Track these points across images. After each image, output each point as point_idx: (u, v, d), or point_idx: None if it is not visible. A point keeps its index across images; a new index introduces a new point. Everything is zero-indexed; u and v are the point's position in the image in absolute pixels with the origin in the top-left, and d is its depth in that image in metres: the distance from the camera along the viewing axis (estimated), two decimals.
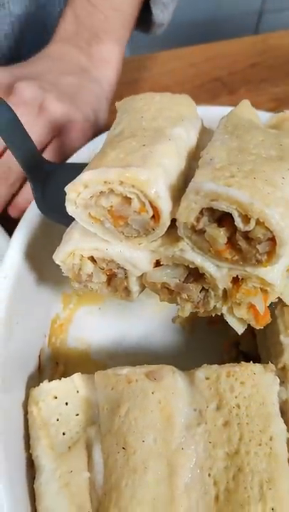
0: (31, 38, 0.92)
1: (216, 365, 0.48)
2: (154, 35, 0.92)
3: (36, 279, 0.58)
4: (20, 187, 0.69)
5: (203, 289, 0.46)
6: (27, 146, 0.56)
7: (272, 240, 0.38)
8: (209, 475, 0.44)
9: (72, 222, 0.48)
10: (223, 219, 0.40)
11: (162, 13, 0.86)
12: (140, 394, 0.47)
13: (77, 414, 0.50)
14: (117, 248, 0.45)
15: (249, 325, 0.47)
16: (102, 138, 0.65)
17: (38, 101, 0.67)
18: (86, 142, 0.70)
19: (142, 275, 0.48)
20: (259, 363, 0.48)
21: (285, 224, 0.38)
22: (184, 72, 1.01)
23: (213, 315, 0.48)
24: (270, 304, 0.46)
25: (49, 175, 0.57)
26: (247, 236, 0.39)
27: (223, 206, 0.39)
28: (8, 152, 0.65)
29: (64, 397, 0.50)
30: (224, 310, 0.47)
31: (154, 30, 0.91)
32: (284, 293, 0.46)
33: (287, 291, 0.46)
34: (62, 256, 0.47)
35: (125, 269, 0.47)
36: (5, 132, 0.53)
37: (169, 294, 0.48)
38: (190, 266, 0.45)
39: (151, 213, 0.42)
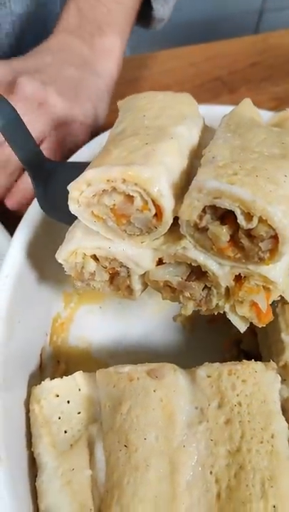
0: (32, 36, 0.92)
1: (218, 363, 0.48)
2: (154, 30, 0.92)
3: (37, 277, 0.59)
4: (19, 177, 0.68)
5: (205, 287, 0.46)
6: (29, 144, 0.56)
7: (275, 238, 0.39)
8: (211, 473, 0.44)
9: (75, 221, 0.48)
10: (226, 217, 0.40)
11: (162, 8, 0.86)
12: (142, 392, 0.47)
13: (79, 413, 0.50)
14: (120, 246, 0.45)
15: (250, 323, 0.48)
16: (103, 137, 0.65)
17: (38, 96, 0.67)
18: (86, 137, 0.70)
19: (145, 273, 0.48)
20: (260, 361, 0.48)
21: (288, 222, 0.38)
22: (184, 72, 1.01)
23: (216, 313, 0.48)
24: (272, 302, 0.46)
25: (51, 173, 0.57)
26: (249, 234, 0.39)
27: (225, 204, 0.39)
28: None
29: (66, 396, 0.50)
30: (226, 308, 0.47)
31: (154, 26, 0.91)
32: (286, 291, 0.46)
33: None
34: (65, 255, 0.47)
35: (128, 268, 0.47)
36: (7, 131, 0.53)
37: (172, 292, 0.48)
38: (192, 264, 0.45)
39: (153, 211, 0.42)
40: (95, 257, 0.47)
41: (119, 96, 0.57)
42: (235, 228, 0.40)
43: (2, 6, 0.85)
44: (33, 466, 0.48)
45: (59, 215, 0.54)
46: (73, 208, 0.44)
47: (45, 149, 0.68)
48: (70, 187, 0.43)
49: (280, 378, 0.47)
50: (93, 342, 0.63)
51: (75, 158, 0.64)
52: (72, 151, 0.66)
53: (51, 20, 0.89)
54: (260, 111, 0.57)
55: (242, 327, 0.47)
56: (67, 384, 0.51)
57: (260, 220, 0.38)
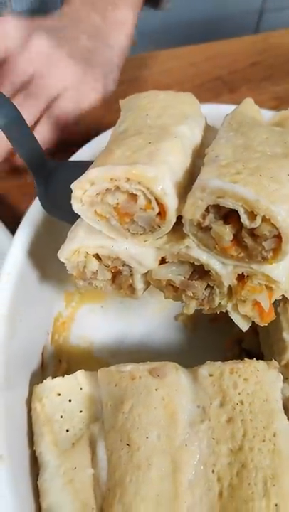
0: None
1: (219, 362, 0.49)
2: (162, 10, 0.92)
3: (39, 277, 0.59)
4: None
5: (208, 286, 0.46)
6: (30, 144, 0.56)
7: (278, 237, 0.39)
8: (213, 471, 0.44)
9: (77, 220, 0.48)
10: (229, 216, 0.41)
11: None
12: (144, 391, 0.47)
13: (81, 411, 0.50)
14: (123, 245, 0.45)
15: (252, 322, 0.48)
16: (103, 136, 0.66)
17: (50, 58, 0.67)
18: (94, 104, 0.72)
19: (147, 272, 0.48)
20: (262, 360, 0.48)
21: None
22: (184, 72, 1.01)
23: (218, 312, 0.48)
24: (274, 301, 0.46)
25: (52, 172, 0.57)
26: (253, 233, 0.39)
27: (229, 203, 0.39)
28: None
29: (67, 394, 0.50)
30: (229, 307, 0.47)
31: (162, 5, 0.92)
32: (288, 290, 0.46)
33: None
34: (67, 254, 0.47)
35: (130, 267, 0.47)
36: (9, 130, 0.53)
37: (174, 291, 0.48)
38: (195, 263, 0.45)
39: (157, 210, 0.42)
40: (97, 256, 0.47)
41: (119, 96, 0.57)
42: (238, 227, 0.40)
43: (3, 6, 0.85)
44: (35, 465, 0.48)
45: (60, 214, 0.54)
46: (76, 206, 0.44)
47: (60, 108, 0.69)
48: (73, 186, 0.43)
49: (282, 377, 0.48)
50: (95, 341, 0.63)
51: (75, 157, 0.64)
52: (84, 116, 0.67)
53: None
54: (261, 110, 0.57)
55: (244, 326, 0.48)
56: (69, 383, 0.51)
57: (264, 219, 0.38)
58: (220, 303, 0.47)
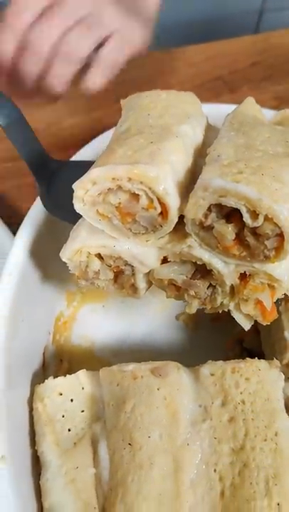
0: None
1: (221, 361, 0.49)
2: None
3: (40, 276, 0.59)
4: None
5: (210, 285, 0.46)
6: (32, 144, 0.56)
7: (281, 236, 0.39)
8: (215, 470, 0.44)
9: (79, 220, 0.48)
10: (231, 215, 0.41)
11: None
12: (145, 390, 0.47)
13: (83, 411, 0.50)
14: (125, 245, 0.45)
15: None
16: (104, 136, 0.66)
17: (97, 1, 0.68)
18: (138, 52, 0.73)
19: (149, 272, 0.48)
20: (263, 359, 0.49)
21: None
22: (185, 71, 1.01)
23: (220, 311, 0.48)
24: (276, 300, 0.46)
25: (54, 173, 0.57)
26: (255, 232, 0.40)
27: (231, 202, 0.39)
28: None
29: (69, 394, 0.50)
30: (231, 306, 0.47)
31: None
32: None
33: None
34: (69, 253, 0.47)
35: (132, 266, 0.47)
36: (10, 130, 0.53)
37: (176, 290, 0.48)
38: (197, 262, 0.45)
39: (159, 210, 0.42)
40: (99, 256, 0.47)
41: (120, 96, 0.57)
42: (240, 226, 0.40)
43: (4, 5, 0.85)
44: (37, 465, 0.48)
45: (62, 214, 0.54)
46: (78, 206, 0.44)
47: (110, 50, 0.69)
48: (75, 186, 0.43)
49: (283, 376, 0.48)
50: (96, 341, 0.63)
51: (77, 157, 0.64)
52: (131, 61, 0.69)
53: None
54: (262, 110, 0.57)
55: (246, 325, 0.48)
56: (71, 382, 0.51)
57: (266, 218, 0.38)
58: (222, 302, 0.47)
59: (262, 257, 0.41)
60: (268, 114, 0.61)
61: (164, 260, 0.47)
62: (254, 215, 0.39)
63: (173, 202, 0.41)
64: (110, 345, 0.62)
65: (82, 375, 0.51)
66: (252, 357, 0.49)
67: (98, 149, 0.63)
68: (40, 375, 0.57)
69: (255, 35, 1.17)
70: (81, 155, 0.64)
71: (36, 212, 0.58)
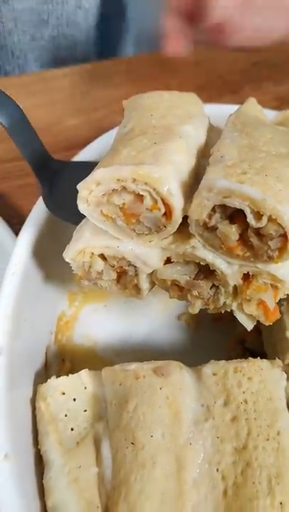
0: (34, 33, 0.92)
1: (223, 360, 0.49)
2: None
3: (43, 276, 0.59)
4: None
5: (213, 285, 0.47)
6: (34, 143, 0.56)
7: (284, 237, 0.39)
8: (217, 470, 0.44)
9: (83, 220, 0.48)
10: (235, 216, 0.41)
11: None
12: (148, 389, 0.47)
13: (85, 410, 0.50)
14: (128, 246, 0.45)
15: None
16: (106, 136, 0.66)
17: None
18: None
19: (152, 272, 0.48)
20: (265, 359, 0.49)
21: None
22: (186, 72, 1.01)
23: (222, 311, 0.48)
24: (278, 301, 0.46)
25: (56, 173, 0.57)
26: (259, 232, 0.40)
27: (235, 203, 0.39)
28: None
29: (72, 393, 0.50)
30: (234, 306, 0.47)
31: None
32: None
33: None
34: (73, 254, 0.47)
35: (136, 267, 0.47)
36: (12, 130, 0.53)
37: (179, 291, 0.48)
38: (201, 263, 0.45)
39: (163, 210, 0.42)
40: (102, 256, 0.48)
41: (121, 97, 0.57)
42: (244, 227, 0.41)
43: (5, 4, 0.86)
44: (40, 464, 0.48)
45: (64, 214, 0.54)
46: (82, 207, 0.44)
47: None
48: (80, 186, 0.43)
49: (285, 376, 0.48)
50: (98, 340, 0.63)
51: (78, 157, 0.64)
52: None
53: (53, 17, 0.89)
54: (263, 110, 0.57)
55: (249, 325, 0.48)
56: (73, 382, 0.51)
57: (270, 218, 0.38)
58: (225, 302, 0.47)
59: (265, 258, 0.41)
60: (270, 114, 0.61)
61: (168, 261, 0.47)
62: (258, 215, 0.39)
63: (177, 202, 0.42)
64: (112, 344, 0.63)
65: (84, 375, 0.51)
66: (254, 357, 0.49)
67: (100, 150, 0.63)
68: (43, 375, 0.57)
69: None
70: (83, 155, 0.64)
71: (38, 212, 0.58)
